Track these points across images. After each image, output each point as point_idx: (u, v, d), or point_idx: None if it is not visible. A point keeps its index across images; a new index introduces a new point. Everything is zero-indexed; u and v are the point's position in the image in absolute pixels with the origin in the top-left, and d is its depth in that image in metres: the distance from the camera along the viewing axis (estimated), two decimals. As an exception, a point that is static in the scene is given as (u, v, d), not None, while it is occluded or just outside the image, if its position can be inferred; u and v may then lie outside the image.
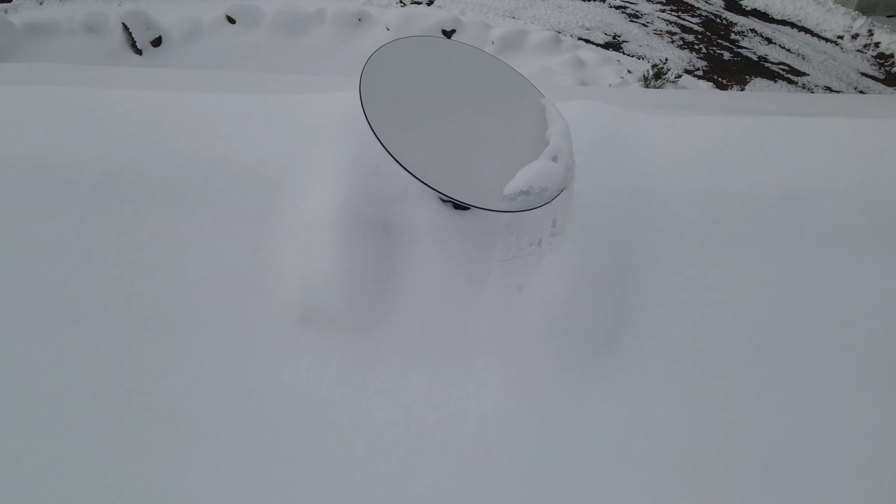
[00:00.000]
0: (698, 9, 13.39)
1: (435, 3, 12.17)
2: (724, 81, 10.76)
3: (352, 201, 2.18)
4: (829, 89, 10.84)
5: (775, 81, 11.07)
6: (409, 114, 2.01)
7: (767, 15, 13.33)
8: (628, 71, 9.66)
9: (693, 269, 2.16)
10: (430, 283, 2.13)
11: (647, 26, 12.22)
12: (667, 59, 10.45)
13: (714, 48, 11.85)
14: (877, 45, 12.26)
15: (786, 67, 11.50)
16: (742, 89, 10.15)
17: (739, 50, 11.90)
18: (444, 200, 2.25)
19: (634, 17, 12.55)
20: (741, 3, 13.78)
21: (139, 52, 9.41)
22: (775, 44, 12.29)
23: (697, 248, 2.19)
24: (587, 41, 11.25)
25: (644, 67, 10.10)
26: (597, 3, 12.94)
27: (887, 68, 11.60)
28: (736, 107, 3.91)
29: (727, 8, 13.58)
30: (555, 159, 1.97)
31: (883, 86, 10.92)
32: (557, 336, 2.06)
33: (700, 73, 10.95)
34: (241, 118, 2.44)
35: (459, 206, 2.25)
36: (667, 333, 2.09)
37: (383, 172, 2.27)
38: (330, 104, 2.49)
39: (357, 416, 2.00)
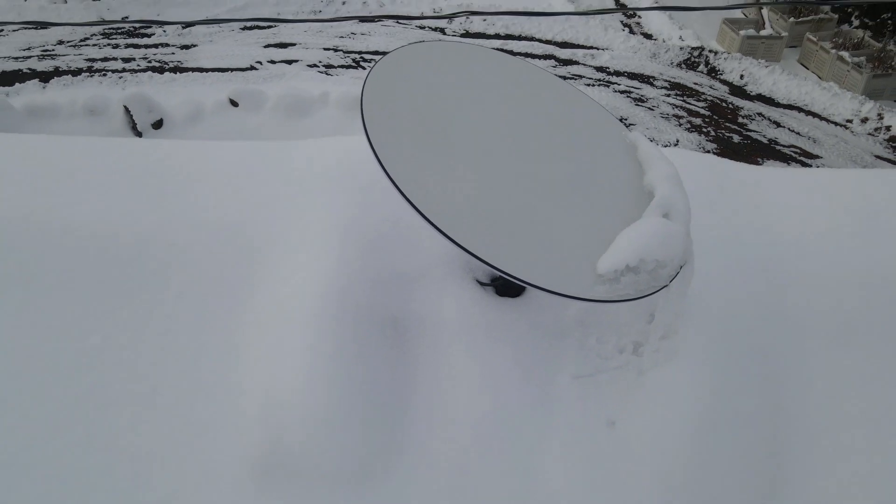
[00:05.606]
0: (703, 94, 13.18)
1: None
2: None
3: (344, 282, 1.44)
4: (844, 172, 10.45)
5: (788, 164, 10.68)
6: (435, 148, 1.30)
7: (773, 100, 13.13)
8: (640, 152, 9.21)
9: (871, 381, 1.40)
10: (465, 410, 1.35)
11: (653, 110, 11.94)
12: (677, 142, 10.06)
13: (723, 131, 11.53)
14: (888, 128, 12.00)
15: (798, 150, 11.15)
16: (757, 171, 9.71)
17: (749, 133, 11.59)
18: (483, 284, 1.51)
19: (640, 101, 12.30)
20: (746, 88, 13.63)
21: (139, 134, 9.31)
22: (784, 127, 12.01)
23: (867, 350, 1.44)
24: (593, 123, 10.90)
25: (655, 148, 9.68)
26: (601, 87, 12.72)
27: (903, 151, 11.29)
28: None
29: (732, 93, 13.41)
30: (666, 217, 1.25)
31: (903, 168, 10.56)
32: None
33: (711, 154, 10.56)
34: (209, 167, 1.76)
35: (508, 289, 1.51)
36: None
37: (393, 242, 1.55)
38: (320, 151, 1.81)
39: None
